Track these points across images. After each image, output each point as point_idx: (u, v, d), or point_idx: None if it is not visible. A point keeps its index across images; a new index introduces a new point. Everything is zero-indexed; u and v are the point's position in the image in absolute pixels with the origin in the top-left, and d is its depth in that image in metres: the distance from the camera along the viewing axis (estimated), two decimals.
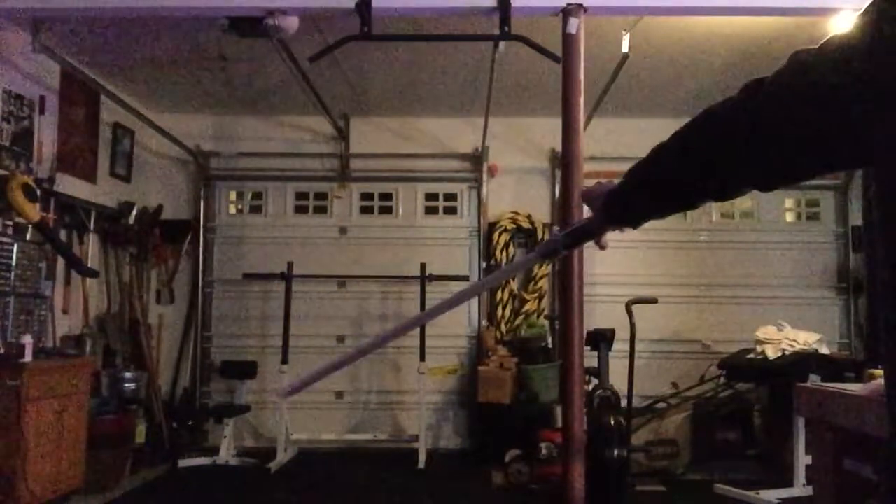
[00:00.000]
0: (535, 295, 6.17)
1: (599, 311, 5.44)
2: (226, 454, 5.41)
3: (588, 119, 4.60)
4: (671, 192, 1.11)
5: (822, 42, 0.84)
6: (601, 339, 4.62)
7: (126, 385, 5.15)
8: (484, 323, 6.17)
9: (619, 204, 1.20)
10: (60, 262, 4.84)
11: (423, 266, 5.90)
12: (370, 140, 6.35)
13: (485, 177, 6.27)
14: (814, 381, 3.64)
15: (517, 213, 6.23)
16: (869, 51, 0.77)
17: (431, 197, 6.44)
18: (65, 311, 5.00)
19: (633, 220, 1.21)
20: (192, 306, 6.28)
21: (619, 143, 6.07)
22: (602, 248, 1.33)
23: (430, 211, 6.45)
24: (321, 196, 6.46)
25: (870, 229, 5.51)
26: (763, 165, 0.96)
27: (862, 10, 0.80)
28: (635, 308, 4.98)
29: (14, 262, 4.35)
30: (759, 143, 0.94)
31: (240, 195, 6.55)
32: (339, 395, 6.19)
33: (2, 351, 3.99)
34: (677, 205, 1.13)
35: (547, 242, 1.34)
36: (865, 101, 0.77)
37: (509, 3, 3.41)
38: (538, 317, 6.11)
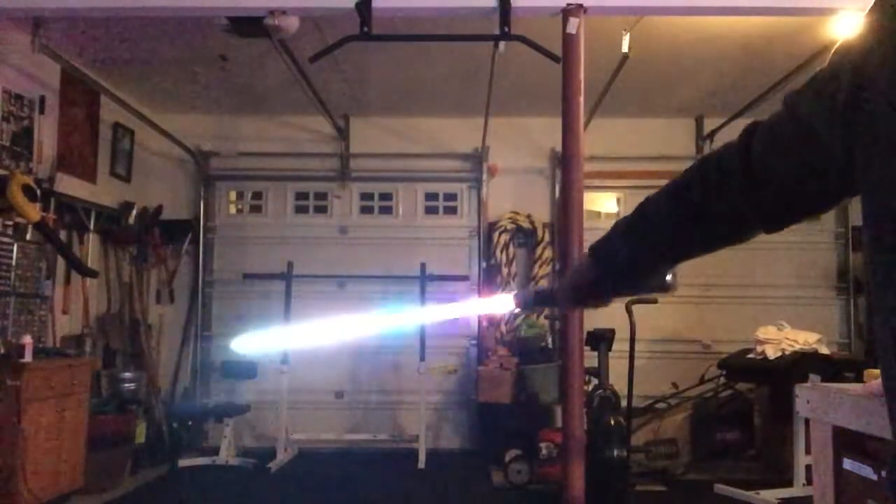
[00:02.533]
0: None
1: (599, 311, 5.42)
2: (226, 454, 5.40)
3: (588, 119, 4.59)
4: (664, 239, 1.07)
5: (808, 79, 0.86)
6: (601, 339, 4.62)
7: (126, 385, 5.15)
8: (484, 323, 6.17)
9: (604, 250, 1.14)
10: (60, 262, 4.84)
11: (423, 266, 5.90)
12: (370, 140, 6.35)
13: (485, 177, 6.27)
14: (814, 381, 3.64)
15: (517, 213, 6.23)
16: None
17: (431, 197, 6.44)
18: (65, 311, 5.00)
19: (617, 270, 1.14)
20: (192, 306, 6.28)
21: (619, 143, 6.08)
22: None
23: (430, 211, 6.45)
24: (321, 196, 6.46)
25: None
26: (761, 205, 0.96)
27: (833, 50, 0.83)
28: (635, 308, 4.98)
29: (14, 262, 4.35)
30: (754, 184, 0.94)
31: (240, 195, 6.55)
32: (339, 395, 6.19)
33: (2, 351, 3.99)
34: (670, 254, 1.10)
35: (516, 295, 1.31)
36: (843, 125, 0.78)
37: (509, 3, 3.40)
38: (538, 317, 6.10)
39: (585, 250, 1.23)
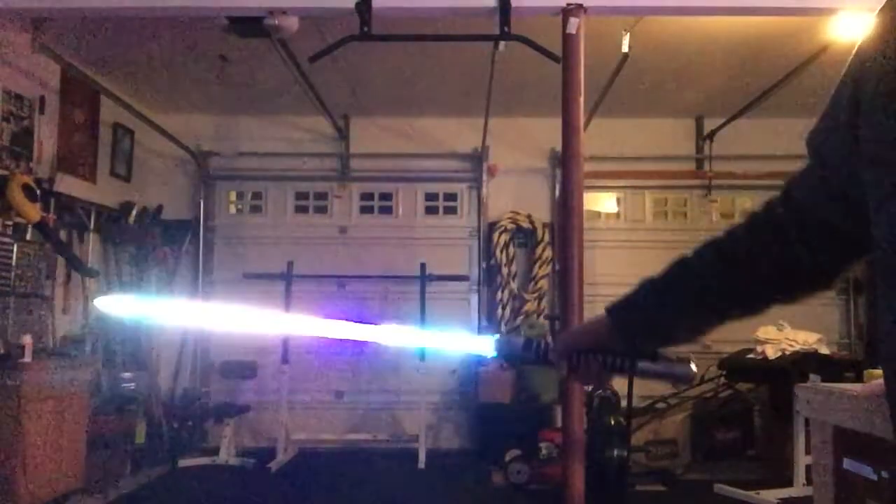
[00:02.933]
0: (535, 295, 6.17)
1: (599, 311, 5.42)
2: (226, 454, 5.40)
3: (588, 119, 4.59)
4: (705, 298, 0.99)
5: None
6: None
7: (126, 385, 5.15)
8: (484, 323, 6.18)
9: (628, 310, 1.03)
10: (60, 262, 4.84)
11: (423, 266, 5.90)
12: (370, 140, 6.35)
13: (485, 177, 6.27)
14: (814, 381, 3.63)
15: (517, 213, 6.23)
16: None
17: (431, 197, 6.44)
18: (65, 311, 4.99)
19: (642, 333, 1.03)
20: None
21: (619, 143, 6.08)
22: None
23: (430, 211, 6.45)
24: (321, 196, 6.46)
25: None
26: (811, 252, 0.90)
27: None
28: None
29: (14, 262, 4.35)
30: (798, 228, 0.90)
31: (240, 195, 6.55)
32: (339, 395, 6.19)
33: (2, 351, 3.99)
34: (705, 315, 1.01)
35: (499, 342, 1.12)
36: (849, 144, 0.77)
37: (509, 3, 3.40)
38: (538, 317, 6.10)
39: (602, 312, 1.08)
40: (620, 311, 1.05)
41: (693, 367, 1.05)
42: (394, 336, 1.19)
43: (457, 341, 1.13)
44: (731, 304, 0.99)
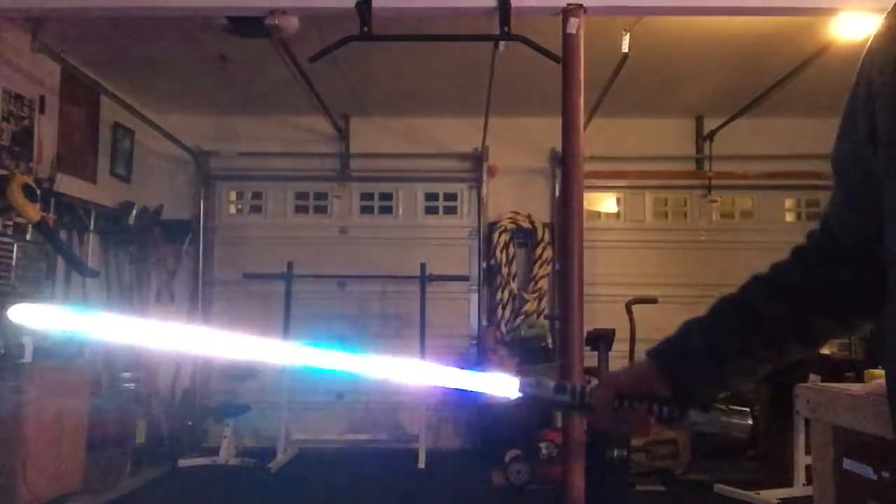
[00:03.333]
0: (535, 295, 6.17)
1: (599, 311, 5.44)
2: (226, 454, 5.40)
3: (588, 119, 4.59)
4: (762, 339, 0.94)
5: None
6: (601, 339, 4.62)
7: (126, 385, 5.15)
8: (484, 323, 6.17)
9: (677, 351, 0.97)
10: (60, 262, 4.84)
11: (423, 266, 5.90)
12: (370, 140, 6.35)
13: (485, 177, 6.27)
14: (814, 381, 3.63)
15: (517, 213, 6.23)
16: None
17: (431, 197, 6.45)
18: None
19: (700, 378, 0.96)
20: (192, 306, 6.28)
21: (619, 143, 6.08)
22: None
23: (430, 211, 6.45)
24: (321, 196, 6.46)
25: None
26: (857, 277, 0.88)
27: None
28: (635, 308, 4.99)
29: (14, 262, 4.35)
30: (838, 252, 0.89)
31: (240, 195, 6.55)
32: (339, 395, 6.19)
33: (2, 351, 3.99)
34: (768, 353, 0.96)
35: (527, 384, 0.99)
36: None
37: (509, 3, 3.40)
38: (538, 317, 6.10)
39: (643, 356, 1.01)
40: (666, 355, 0.98)
41: (749, 420, 0.96)
42: (409, 372, 1.09)
43: (477, 381, 1.01)
44: (789, 338, 0.94)
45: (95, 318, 0.97)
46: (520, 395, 0.97)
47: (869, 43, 0.80)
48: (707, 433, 0.96)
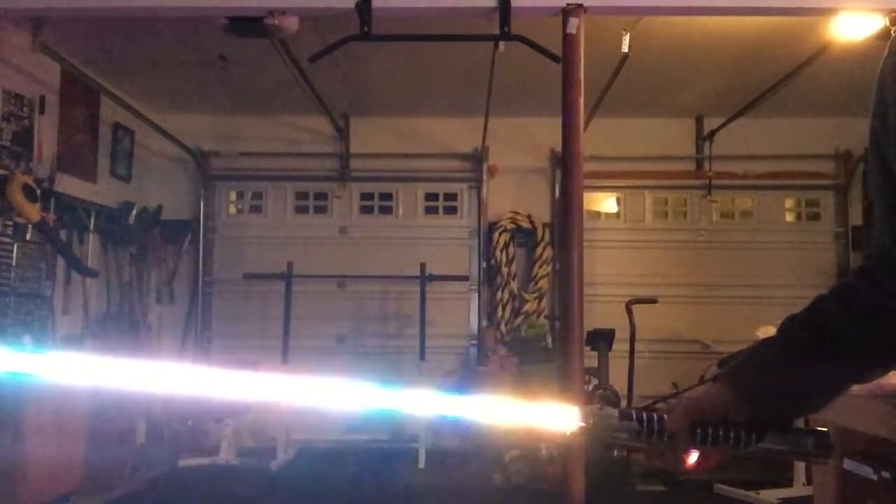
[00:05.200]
0: (535, 295, 6.17)
1: (599, 311, 5.44)
2: (226, 454, 5.40)
3: (588, 119, 4.59)
4: (850, 354, 0.92)
5: None
6: (601, 339, 4.62)
7: None
8: (484, 323, 6.17)
9: (760, 376, 0.94)
10: (60, 262, 4.84)
11: (423, 266, 5.90)
12: (370, 140, 6.35)
13: (485, 177, 6.27)
14: None
15: (517, 213, 6.23)
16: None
17: (431, 197, 6.45)
18: (65, 312, 4.99)
19: (782, 397, 0.93)
20: (192, 306, 6.28)
21: (619, 143, 6.08)
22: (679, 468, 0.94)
23: (430, 211, 6.45)
24: (321, 196, 6.46)
25: (870, 226, 5.51)
26: None
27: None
28: (635, 308, 4.99)
29: (14, 262, 4.35)
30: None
31: (240, 195, 6.55)
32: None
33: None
34: (852, 368, 0.93)
35: (592, 415, 0.91)
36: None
37: (509, 3, 3.40)
38: (538, 317, 6.10)
39: (712, 379, 0.96)
40: (741, 377, 0.95)
41: (830, 440, 0.93)
42: (464, 409, 1.00)
43: (534, 415, 0.93)
44: (875, 353, 0.92)
45: (66, 361, 0.88)
46: (581, 426, 0.90)
47: (882, 66, 0.81)
48: (785, 457, 0.93)
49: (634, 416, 0.90)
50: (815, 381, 0.93)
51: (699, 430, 0.90)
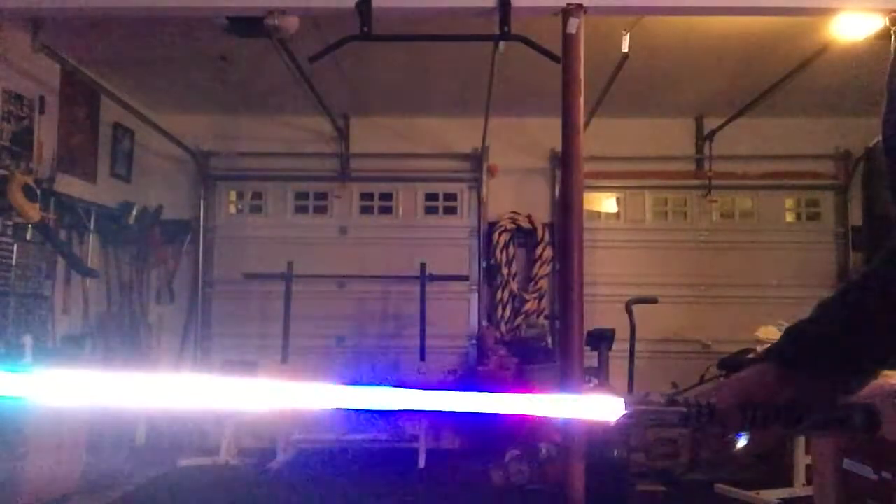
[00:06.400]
0: (535, 295, 6.17)
1: (599, 311, 5.44)
2: (226, 454, 5.40)
3: (588, 119, 4.59)
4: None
5: None
6: (601, 339, 4.62)
7: None
8: (484, 323, 6.17)
9: (806, 352, 0.91)
10: (60, 262, 4.84)
11: (423, 266, 5.90)
12: (370, 140, 6.35)
13: (485, 177, 6.27)
14: None
15: (517, 213, 6.23)
16: None
17: (431, 197, 6.45)
18: (65, 312, 4.99)
19: (840, 361, 0.91)
20: (192, 306, 6.28)
21: (619, 143, 6.08)
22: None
23: (430, 211, 6.45)
24: (321, 196, 6.46)
25: (870, 226, 5.51)
26: None
27: None
28: (635, 308, 4.99)
29: (14, 262, 4.35)
30: None
31: (240, 195, 6.55)
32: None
33: (2, 351, 3.99)
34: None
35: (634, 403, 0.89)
36: None
37: (509, 3, 3.40)
38: (538, 317, 6.10)
39: (761, 358, 0.93)
40: (787, 352, 0.92)
41: (880, 416, 0.91)
42: (502, 405, 0.95)
43: (576, 406, 0.91)
44: None
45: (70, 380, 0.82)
46: (626, 414, 0.88)
47: (891, 69, 0.80)
48: (833, 434, 0.93)
49: (681, 402, 0.89)
50: (861, 349, 0.91)
51: (748, 412, 0.88)
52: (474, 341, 6.20)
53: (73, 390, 0.85)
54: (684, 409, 0.88)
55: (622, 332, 4.91)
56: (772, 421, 0.88)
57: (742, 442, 0.90)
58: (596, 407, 0.90)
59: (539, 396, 0.91)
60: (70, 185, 4.98)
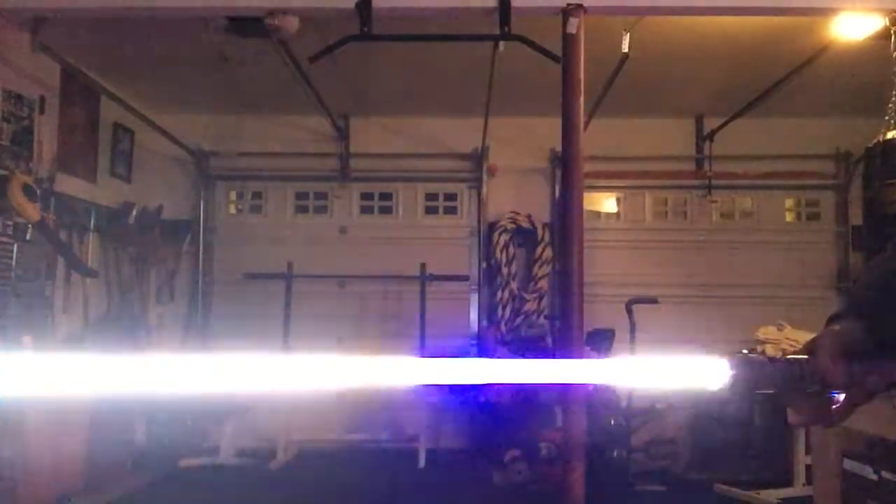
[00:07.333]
0: (535, 295, 6.17)
1: (599, 311, 5.44)
2: (226, 454, 5.40)
3: (588, 119, 4.59)
4: None
5: None
6: (601, 339, 4.62)
7: None
8: (484, 323, 6.17)
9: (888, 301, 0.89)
10: (60, 262, 4.84)
11: (423, 266, 5.90)
12: (370, 140, 6.35)
13: (485, 177, 6.27)
14: None
15: (517, 213, 6.23)
16: None
17: (431, 197, 6.45)
18: (65, 312, 4.99)
19: None
20: (192, 306, 6.28)
21: (619, 143, 6.08)
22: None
23: (430, 211, 6.45)
24: (321, 196, 6.46)
25: (870, 225, 5.50)
26: None
27: None
28: (635, 308, 4.99)
29: (14, 262, 4.35)
30: None
31: (240, 195, 6.55)
32: (340, 395, 6.18)
33: (2, 351, 3.99)
34: None
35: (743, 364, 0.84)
36: None
37: (509, 3, 3.41)
38: (538, 317, 6.10)
39: (836, 317, 0.90)
40: (864, 306, 0.90)
41: None
42: (569, 373, 0.90)
43: (672, 372, 0.84)
44: None
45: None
46: (731, 376, 0.83)
47: None
48: None
49: (781, 361, 0.86)
50: None
51: (852, 368, 0.86)
52: (474, 341, 6.19)
53: (79, 377, 0.80)
54: (792, 369, 0.84)
55: (622, 333, 4.91)
56: (872, 377, 0.85)
57: (840, 399, 0.87)
58: (698, 372, 0.85)
59: (634, 360, 0.89)
60: (70, 185, 4.98)
